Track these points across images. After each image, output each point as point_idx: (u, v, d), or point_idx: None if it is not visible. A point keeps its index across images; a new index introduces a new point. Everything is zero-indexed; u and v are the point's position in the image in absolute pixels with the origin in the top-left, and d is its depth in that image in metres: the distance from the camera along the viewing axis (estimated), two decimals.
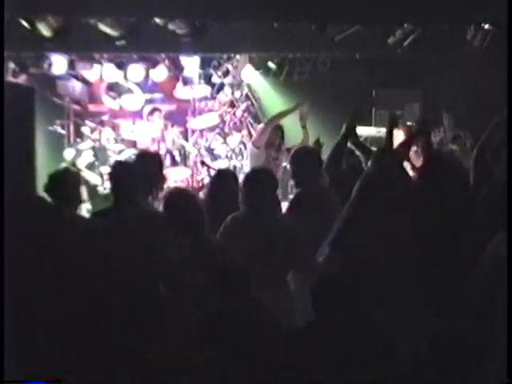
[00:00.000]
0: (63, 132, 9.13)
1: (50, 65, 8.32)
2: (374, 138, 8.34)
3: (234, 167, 9.11)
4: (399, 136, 7.15)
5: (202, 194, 6.01)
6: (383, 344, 3.37)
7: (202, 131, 9.63)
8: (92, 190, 8.46)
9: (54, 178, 4.56)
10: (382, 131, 7.75)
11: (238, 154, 9.44)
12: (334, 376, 3.26)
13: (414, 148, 5.69)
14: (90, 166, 8.70)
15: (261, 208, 4.40)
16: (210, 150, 9.45)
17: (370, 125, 9.06)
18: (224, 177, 5.34)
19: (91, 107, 9.53)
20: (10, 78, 7.66)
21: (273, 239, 4.30)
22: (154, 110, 9.38)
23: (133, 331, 3.77)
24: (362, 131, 7.56)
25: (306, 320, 3.67)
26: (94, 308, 3.72)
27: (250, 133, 9.46)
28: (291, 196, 6.00)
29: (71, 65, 8.52)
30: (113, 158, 8.63)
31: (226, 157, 9.41)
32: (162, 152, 8.89)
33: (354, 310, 3.38)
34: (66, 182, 4.58)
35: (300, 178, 5.11)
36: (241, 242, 4.26)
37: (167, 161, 8.90)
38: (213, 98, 9.78)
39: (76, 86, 9.16)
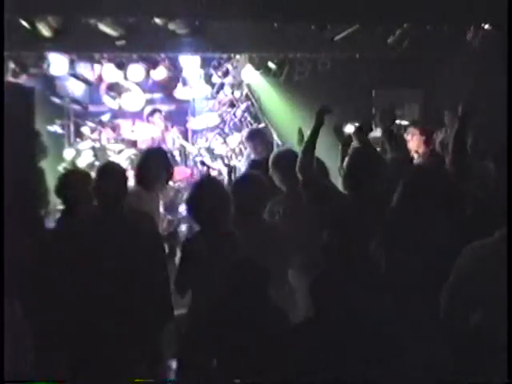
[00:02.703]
0: (63, 132, 9.13)
1: (49, 65, 8.32)
2: (374, 138, 8.31)
3: (234, 167, 9.08)
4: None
5: None
6: (385, 342, 3.37)
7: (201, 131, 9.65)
8: None
9: (63, 180, 4.43)
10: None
11: (237, 154, 9.43)
12: (336, 373, 3.26)
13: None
14: (90, 166, 8.68)
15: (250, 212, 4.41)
16: (209, 150, 9.45)
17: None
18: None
19: (91, 107, 9.53)
20: (9, 78, 7.65)
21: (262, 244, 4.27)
22: (155, 110, 9.38)
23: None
24: None
25: (304, 317, 3.67)
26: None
27: None
28: None
29: (71, 65, 8.52)
30: (113, 158, 8.63)
31: (226, 157, 9.40)
32: None
33: (354, 307, 3.37)
34: (76, 183, 4.40)
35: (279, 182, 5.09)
36: None
37: None
38: (213, 97, 9.79)
39: (76, 86, 9.16)
